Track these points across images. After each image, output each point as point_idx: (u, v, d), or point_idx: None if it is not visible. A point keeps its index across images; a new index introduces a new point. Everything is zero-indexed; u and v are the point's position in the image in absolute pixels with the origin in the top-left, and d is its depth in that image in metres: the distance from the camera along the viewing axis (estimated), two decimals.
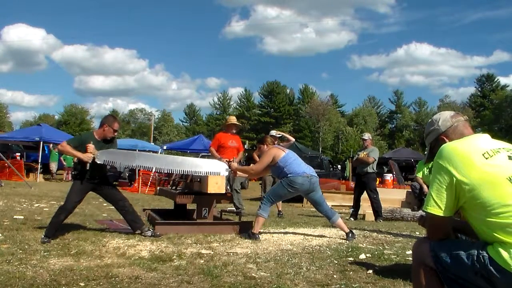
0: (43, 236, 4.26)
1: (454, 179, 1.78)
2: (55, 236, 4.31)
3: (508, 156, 1.80)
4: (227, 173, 5.20)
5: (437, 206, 1.81)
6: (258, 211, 4.88)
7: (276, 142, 8.00)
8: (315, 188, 4.93)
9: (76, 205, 4.57)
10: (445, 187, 1.80)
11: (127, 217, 4.72)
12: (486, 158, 1.78)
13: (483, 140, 1.91)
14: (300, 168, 4.87)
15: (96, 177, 4.56)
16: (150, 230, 4.63)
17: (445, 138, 2.04)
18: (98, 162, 4.45)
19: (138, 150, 14.18)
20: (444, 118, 2.08)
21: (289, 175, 4.80)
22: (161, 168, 5.37)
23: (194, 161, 5.35)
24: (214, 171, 5.10)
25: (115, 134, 4.72)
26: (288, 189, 4.82)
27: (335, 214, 5.01)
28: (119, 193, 4.82)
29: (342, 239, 4.87)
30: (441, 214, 1.81)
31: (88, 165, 4.42)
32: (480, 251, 1.73)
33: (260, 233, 4.82)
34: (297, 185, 4.79)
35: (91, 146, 4.43)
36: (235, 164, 5.34)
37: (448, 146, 1.89)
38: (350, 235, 4.85)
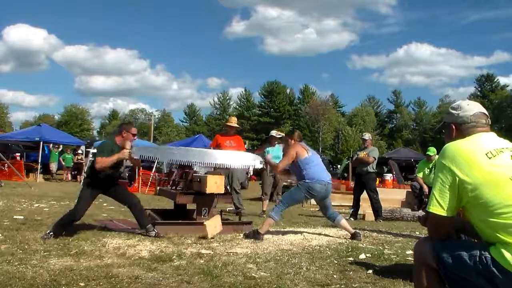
0: (47, 232, 4.38)
1: (457, 178, 1.78)
2: (60, 235, 4.37)
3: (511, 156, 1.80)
4: (261, 165, 5.32)
5: (439, 206, 1.80)
6: (271, 212, 4.86)
7: (277, 142, 8.04)
8: (328, 195, 4.94)
9: (86, 210, 4.68)
10: (448, 186, 1.79)
11: (135, 214, 4.78)
12: (489, 158, 1.78)
13: (487, 139, 1.90)
14: (321, 175, 4.80)
15: (106, 183, 4.66)
16: (154, 231, 4.65)
17: (454, 128, 2.01)
18: (135, 157, 4.64)
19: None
20: (466, 113, 1.99)
21: (307, 181, 4.74)
22: (198, 162, 5.26)
23: (228, 154, 5.46)
24: (248, 164, 5.22)
25: (135, 138, 4.86)
26: (305, 194, 4.80)
27: (338, 215, 5.03)
28: (126, 191, 4.99)
29: (343, 239, 4.87)
30: (444, 214, 1.80)
31: (123, 167, 4.68)
32: (483, 252, 1.73)
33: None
34: (315, 192, 4.77)
35: (128, 143, 4.61)
36: (269, 156, 5.51)
37: (452, 146, 1.88)
38: (357, 235, 4.86)
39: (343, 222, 4.96)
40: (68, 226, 4.54)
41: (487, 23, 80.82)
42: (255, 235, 4.66)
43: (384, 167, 19.88)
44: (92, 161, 4.80)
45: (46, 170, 18.45)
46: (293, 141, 5.07)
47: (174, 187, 6.09)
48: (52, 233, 4.34)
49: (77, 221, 4.64)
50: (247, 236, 4.71)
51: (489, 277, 1.70)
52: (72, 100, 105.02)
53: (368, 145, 8.02)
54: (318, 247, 4.37)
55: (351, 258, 3.82)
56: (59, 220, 4.57)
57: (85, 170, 4.28)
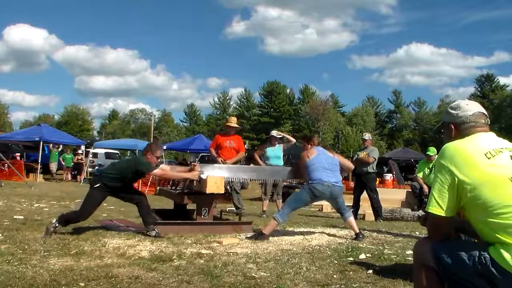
0: (53, 222, 4.50)
1: (456, 179, 1.77)
2: (65, 226, 4.54)
3: (511, 156, 1.79)
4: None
5: (438, 206, 1.80)
6: (276, 214, 4.85)
7: (277, 142, 8.01)
8: (338, 196, 4.93)
9: (92, 213, 4.78)
10: (447, 187, 1.79)
11: (141, 211, 4.81)
12: (489, 158, 1.78)
13: (487, 139, 1.90)
14: (322, 175, 4.77)
15: (119, 189, 4.77)
16: (155, 231, 4.65)
17: (453, 128, 2.01)
18: (204, 177, 4.93)
19: (138, 150, 14.15)
20: (466, 113, 1.98)
21: (310, 181, 4.78)
22: (263, 179, 5.69)
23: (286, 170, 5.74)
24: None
25: (159, 160, 5.08)
26: (309, 195, 4.80)
27: (347, 212, 5.04)
28: (133, 190, 5.15)
29: (343, 239, 4.87)
30: (443, 214, 1.80)
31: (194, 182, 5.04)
32: (482, 252, 1.73)
33: None
34: (317, 193, 4.76)
35: (198, 165, 4.96)
36: None
37: (451, 146, 1.88)
38: (360, 236, 4.85)
39: (350, 219, 4.97)
40: (72, 222, 4.64)
41: (487, 23, 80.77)
42: (259, 236, 4.65)
43: (384, 167, 19.83)
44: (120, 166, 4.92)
45: (46, 170, 18.46)
46: (309, 146, 5.09)
47: (174, 187, 6.09)
48: (57, 224, 4.45)
49: (80, 221, 4.72)
50: (251, 238, 4.69)
51: (489, 277, 1.70)
52: (72, 100, 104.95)
53: (368, 145, 8.02)
54: (318, 247, 4.37)
55: (351, 258, 3.82)
56: (66, 214, 4.66)
57: (105, 175, 4.27)
